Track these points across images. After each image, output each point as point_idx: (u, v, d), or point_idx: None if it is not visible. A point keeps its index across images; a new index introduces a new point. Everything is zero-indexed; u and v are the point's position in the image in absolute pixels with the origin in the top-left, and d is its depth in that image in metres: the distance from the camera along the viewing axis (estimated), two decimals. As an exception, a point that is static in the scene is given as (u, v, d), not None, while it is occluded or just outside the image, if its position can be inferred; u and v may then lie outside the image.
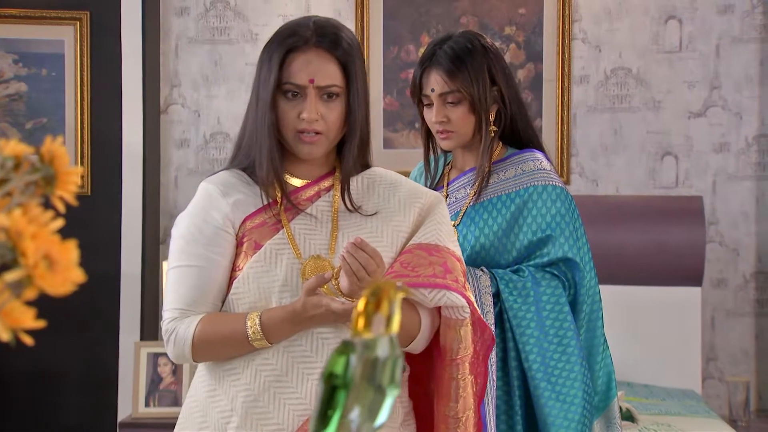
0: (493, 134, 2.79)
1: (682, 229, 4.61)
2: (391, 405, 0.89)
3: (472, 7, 5.07)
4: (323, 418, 0.87)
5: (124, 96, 4.97)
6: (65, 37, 5.03)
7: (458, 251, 2.29)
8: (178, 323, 2.21)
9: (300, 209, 2.25)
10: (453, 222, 2.74)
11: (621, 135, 5.07)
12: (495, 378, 2.64)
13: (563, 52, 5.03)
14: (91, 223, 5.01)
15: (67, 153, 0.88)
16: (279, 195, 2.25)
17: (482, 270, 2.71)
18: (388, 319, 0.88)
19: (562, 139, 5.03)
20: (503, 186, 2.79)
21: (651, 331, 4.56)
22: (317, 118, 2.18)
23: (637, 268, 4.60)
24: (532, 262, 2.73)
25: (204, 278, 2.22)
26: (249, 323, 2.15)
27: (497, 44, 2.86)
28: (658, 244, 4.60)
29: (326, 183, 2.30)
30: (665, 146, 5.05)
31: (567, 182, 5.02)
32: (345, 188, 2.27)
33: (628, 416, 3.67)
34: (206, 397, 2.25)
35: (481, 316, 2.30)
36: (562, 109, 5.04)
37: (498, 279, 2.69)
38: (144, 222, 4.96)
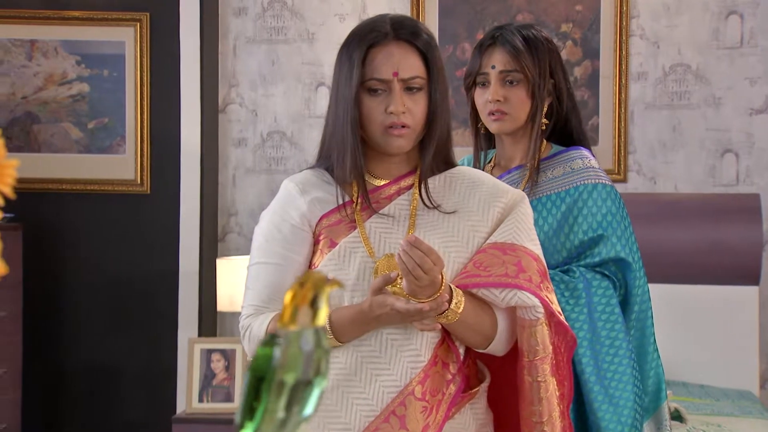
0: (544, 127, 2.76)
1: (739, 228, 4.53)
2: (318, 396, 0.89)
3: (528, 5, 5.04)
4: (249, 410, 0.88)
5: (182, 96, 5.04)
6: (126, 39, 5.11)
7: (537, 250, 2.24)
8: (253, 320, 2.22)
9: (375, 208, 2.23)
10: None
11: (680, 132, 4.99)
12: None
13: (620, 49, 4.97)
14: (150, 221, 5.10)
15: (4, 146, 0.89)
16: (356, 193, 2.24)
17: None
18: (315, 312, 0.89)
19: (619, 136, 4.97)
20: (552, 185, 2.74)
21: (707, 331, 4.49)
22: (404, 110, 2.17)
23: (693, 266, 4.53)
24: (582, 262, 2.68)
25: (280, 276, 2.23)
26: None
27: (554, 41, 2.83)
28: (715, 242, 4.53)
29: (407, 181, 2.28)
30: (725, 143, 4.96)
31: (624, 180, 4.96)
32: (423, 184, 2.25)
33: (676, 416, 3.62)
34: None
35: (561, 318, 2.24)
36: (620, 107, 4.98)
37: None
38: (202, 220, 5.01)
